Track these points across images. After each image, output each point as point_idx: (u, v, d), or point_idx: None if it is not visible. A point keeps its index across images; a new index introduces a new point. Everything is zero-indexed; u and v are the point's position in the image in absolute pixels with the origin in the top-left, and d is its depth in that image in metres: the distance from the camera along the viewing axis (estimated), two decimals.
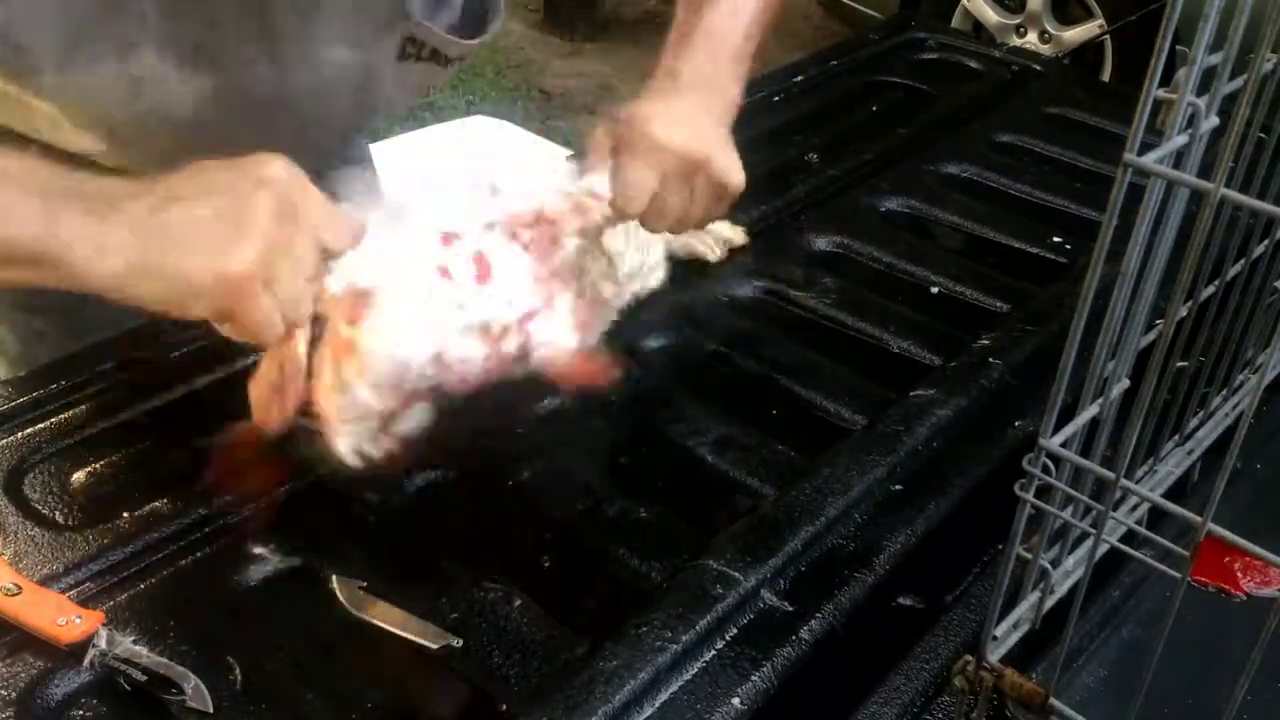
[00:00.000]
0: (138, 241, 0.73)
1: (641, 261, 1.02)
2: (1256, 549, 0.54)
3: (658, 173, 0.91)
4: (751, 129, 1.48)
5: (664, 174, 0.91)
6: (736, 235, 1.23)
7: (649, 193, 0.91)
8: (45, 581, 0.83)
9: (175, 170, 0.77)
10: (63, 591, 0.82)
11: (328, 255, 0.79)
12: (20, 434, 0.97)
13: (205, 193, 0.75)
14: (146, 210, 0.74)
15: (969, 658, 0.68)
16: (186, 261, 0.73)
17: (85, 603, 0.81)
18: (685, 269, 1.19)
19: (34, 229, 0.72)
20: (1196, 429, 0.82)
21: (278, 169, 0.76)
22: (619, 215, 0.92)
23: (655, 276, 1.15)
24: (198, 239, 0.73)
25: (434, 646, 0.80)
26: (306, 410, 0.84)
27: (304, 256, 0.77)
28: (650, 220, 0.93)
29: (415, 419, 0.87)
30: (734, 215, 1.25)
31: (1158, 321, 0.59)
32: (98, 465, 0.95)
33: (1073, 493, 0.63)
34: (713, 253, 1.20)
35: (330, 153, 1.12)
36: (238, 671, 0.78)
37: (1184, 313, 0.68)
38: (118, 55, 0.92)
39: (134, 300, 0.75)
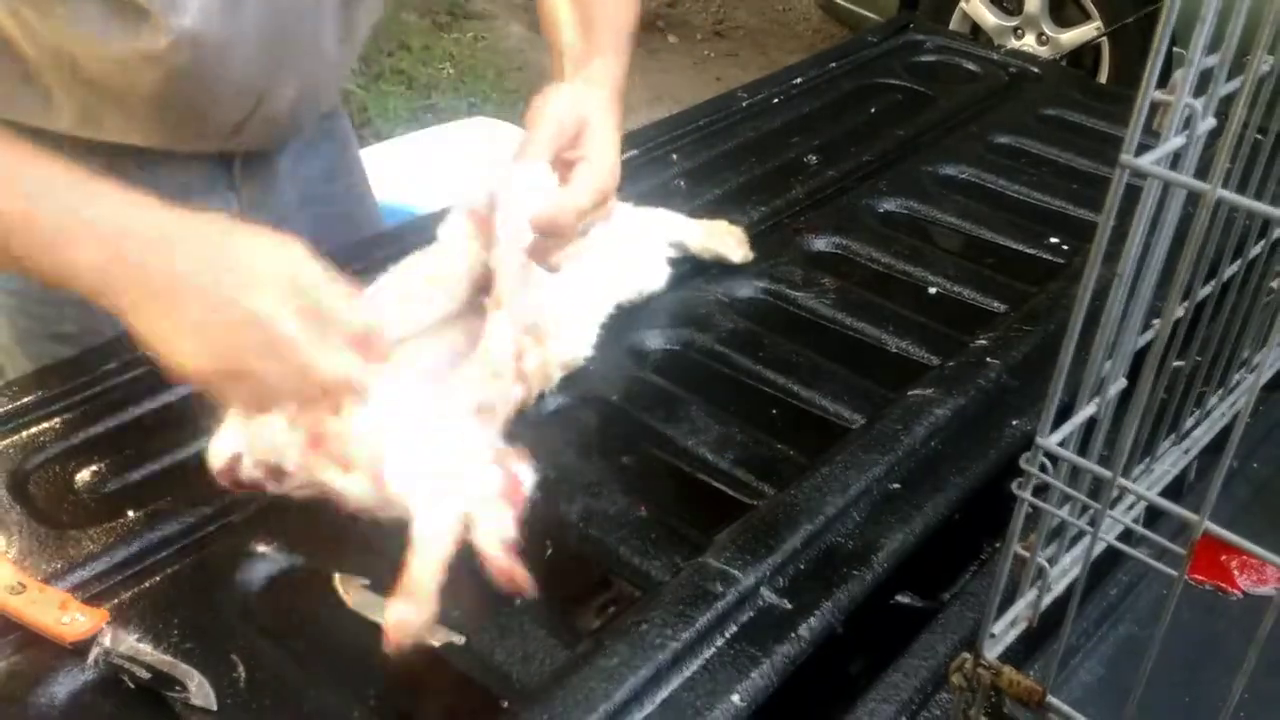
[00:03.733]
0: (142, 291, 0.75)
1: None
2: (1253, 547, 0.55)
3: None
4: (751, 130, 1.49)
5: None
6: (736, 232, 1.23)
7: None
8: (49, 580, 0.83)
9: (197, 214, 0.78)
10: (67, 590, 0.83)
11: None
12: (25, 433, 0.97)
13: (222, 293, 0.75)
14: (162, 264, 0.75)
15: (967, 655, 0.68)
16: (173, 342, 0.76)
17: (89, 601, 0.82)
18: (685, 269, 1.19)
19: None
20: (1193, 428, 0.82)
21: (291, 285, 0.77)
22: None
23: (655, 279, 1.16)
24: (193, 331, 0.76)
25: (436, 644, 0.80)
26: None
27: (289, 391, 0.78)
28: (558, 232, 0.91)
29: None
30: (733, 216, 1.27)
31: (1155, 321, 0.60)
32: (102, 464, 0.95)
33: (1070, 491, 0.63)
34: (735, 254, 1.21)
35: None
36: (241, 669, 0.78)
37: (1181, 313, 0.68)
38: None
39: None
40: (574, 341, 1.05)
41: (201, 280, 0.75)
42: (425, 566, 0.79)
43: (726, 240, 1.21)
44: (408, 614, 0.78)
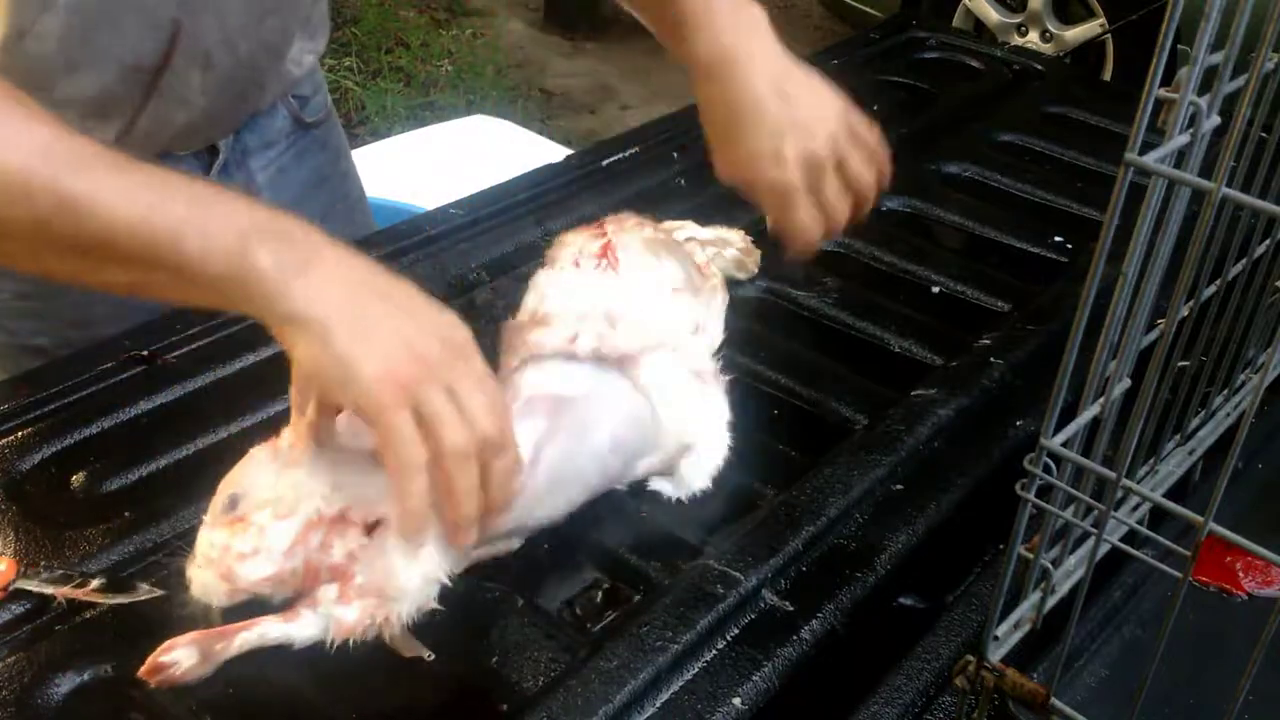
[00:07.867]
0: (336, 311, 0.74)
1: None
2: (1258, 548, 0.54)
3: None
4: None
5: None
6: (752, 252, 1.21)
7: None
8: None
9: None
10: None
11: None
12: (21, 433, 0.97)
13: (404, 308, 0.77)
14: (345, 286, 0.75)
15: (970, 658, 0.68)
16: (367, 353, 0.73)
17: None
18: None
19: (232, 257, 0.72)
20: (1198, 429, 0.82)
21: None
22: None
23: None
24: (385, 338, 0.74)
25: (405, 656, 0.78)
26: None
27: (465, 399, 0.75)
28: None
29: None
30: (734, 215, 1.26)
31: (1159, 321, 0.59)
32: (98, 464, 0.95)
33: (1074, 492, 0.63)
34: (745, 271, 1.19)
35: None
36: (236, 673, 0.78)
37: (1185, 312, 0.68)
38: None
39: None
40: None
41: (387, 294, 0.76)
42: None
43: (743, 262, 1.18)
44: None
